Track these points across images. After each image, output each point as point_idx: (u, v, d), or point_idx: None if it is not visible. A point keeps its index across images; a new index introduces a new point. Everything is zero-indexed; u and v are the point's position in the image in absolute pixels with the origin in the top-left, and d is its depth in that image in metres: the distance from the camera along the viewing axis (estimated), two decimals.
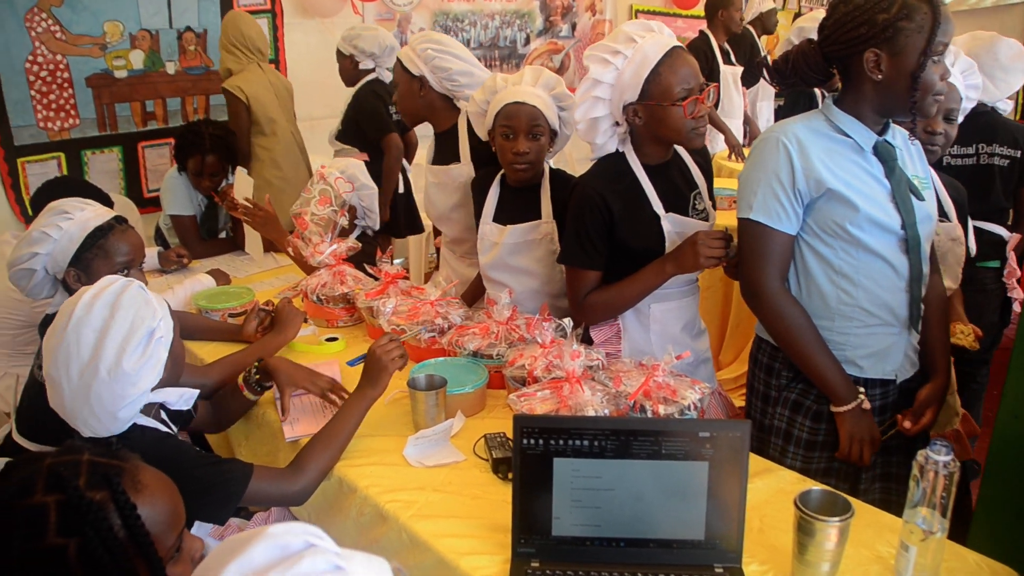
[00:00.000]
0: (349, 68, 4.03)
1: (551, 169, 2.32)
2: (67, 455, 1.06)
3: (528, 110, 2.17)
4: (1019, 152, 2.79)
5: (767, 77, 2.02)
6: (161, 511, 1.08)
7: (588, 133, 2.02)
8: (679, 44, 1.94)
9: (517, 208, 2.31)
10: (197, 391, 1.69)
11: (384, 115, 3.95)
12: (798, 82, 1.89)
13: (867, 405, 1.82)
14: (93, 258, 1.95)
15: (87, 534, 0.98)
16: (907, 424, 1.86)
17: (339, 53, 4.05)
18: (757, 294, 1.85)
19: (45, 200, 2.67)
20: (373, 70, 4.03)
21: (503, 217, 2.33)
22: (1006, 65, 2.73)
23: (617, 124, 2.02)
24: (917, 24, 1.66)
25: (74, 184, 3.09)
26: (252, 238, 3.22)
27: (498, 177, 2.36)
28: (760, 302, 1.85)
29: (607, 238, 2.01)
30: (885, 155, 1.79)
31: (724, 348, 3.89)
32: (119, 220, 2.02)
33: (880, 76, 1.70)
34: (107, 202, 2.70)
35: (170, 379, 1.60)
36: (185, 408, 1.68)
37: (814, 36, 3.31)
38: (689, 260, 1.92)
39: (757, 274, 1.83)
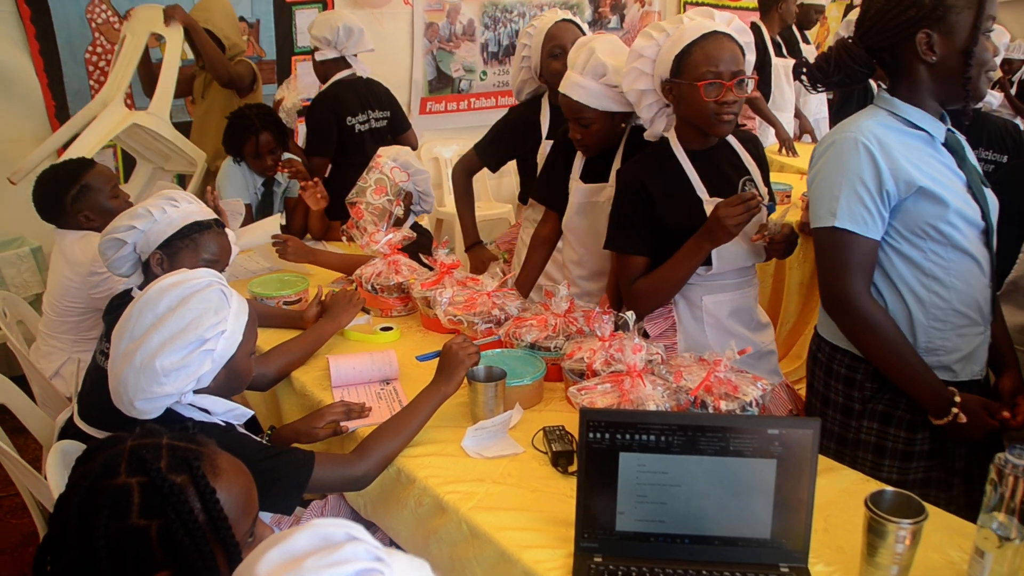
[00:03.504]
0: (318, 66, 3.58)
1: (632, 128, 2.31)
2: (147, 438, 1.08)
3: (570, 103, 2.19)
4: (1005, 156, 2.60)
5: (805, 81, 1.88)
6: (237, 496, 1.09)
7: (636, 105, 2.08)
8: (726, 32, 1.91)
9: (598, 168, 2.35)
10: (251, 412, 1.66)
11: (327, 134, 3.53)
12: (843, 80, 1.80)
13: (963, 419, 1.72)
14: (183, 247, 1.97)
15: (169, 516, 0.99)
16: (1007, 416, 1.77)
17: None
18: (846, 308, 1.75)
19: (46, 188, 2.68)
20: (344, 64, 3.57)
21: (587, 175, 2.37)
22: None
23: (668, 105, 2.04)
24: (964, 2, 1.63)
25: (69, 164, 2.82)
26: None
27: None
28: (850, 316, 1.76)
29: (650, 223, 2.02)
30: (955, 145, 1.76)
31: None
32: (219, 224, 2.06)
33: (934, 58, 1.66)
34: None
35: (223, 391, 1.59)
36: (236, 422, 1.64)
37: None
38: (718, 232, 1.90)
39: (844, 286, 1.73)
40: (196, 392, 1.53)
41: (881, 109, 1.76)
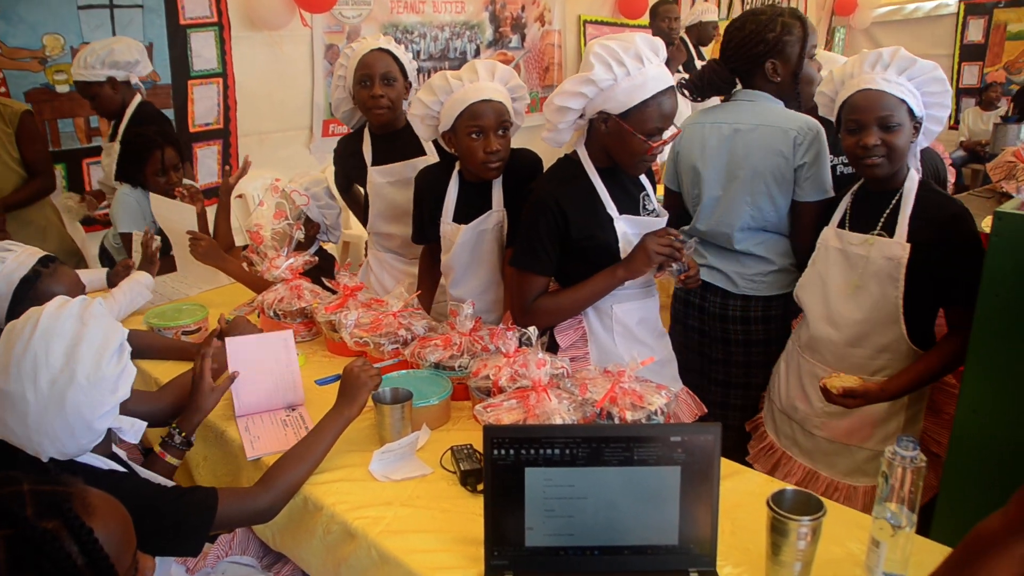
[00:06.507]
0: (111, 94, 3.47)
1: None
2: (5, 487, 1.00)
3: (495, 107, 2.16)
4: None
5: (686, 94, 2.46)
6: (115, 532, 1.04)
7: (555, 115, 2.01)
8: (674, 84, 1.98)
9: (475, 203, 2.31)
10: (145, 424, 1.61)
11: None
12: (715, 92, 2.44)
13: None
14: (29, 303, 1.85)
15: (43, 567, 0.93)
16: None
17: (88, 85, 3.44)
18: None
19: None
20: (137, 91, 3.55)
21: (462, 214, 2.32)
22: None
23: (581, 116, 2.03)
24: (795, 37, 2.28)
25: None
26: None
27: (456, 174, 2.34)
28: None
29: (560, 243, 2.04)
30: None
31: None
32: (45, 263, 1.93)
33: (778, 79, 2.32)
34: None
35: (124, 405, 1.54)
36: (134, 441, 1.60)
37: None
38: (638, 262, 1.99)
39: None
40: None
41: (780, 109, 2.33)
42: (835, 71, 2.09)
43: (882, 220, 2.03)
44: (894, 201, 2.02)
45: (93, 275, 2.92)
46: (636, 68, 1.90)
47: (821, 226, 2.19)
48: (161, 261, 2.98)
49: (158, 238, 2.84)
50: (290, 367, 2.03)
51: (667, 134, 1.99)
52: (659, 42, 1.98)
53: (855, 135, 1.99)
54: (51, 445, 1.41)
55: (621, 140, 1.97)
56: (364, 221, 3.10)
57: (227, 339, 1.99)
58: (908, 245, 1.96)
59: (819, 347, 2.15)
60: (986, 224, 2.33)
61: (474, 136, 2.17)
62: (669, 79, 1.96)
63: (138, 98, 3.54)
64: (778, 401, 2.30)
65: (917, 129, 2.01)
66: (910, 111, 1.97)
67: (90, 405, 1.41)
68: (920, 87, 1.99)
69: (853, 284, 2.05)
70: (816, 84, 2.24)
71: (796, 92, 2.31)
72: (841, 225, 2.13)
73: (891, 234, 2.00)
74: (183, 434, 1.82)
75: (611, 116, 1.95)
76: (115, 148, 3.46)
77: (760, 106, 2.34)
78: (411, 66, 2.71)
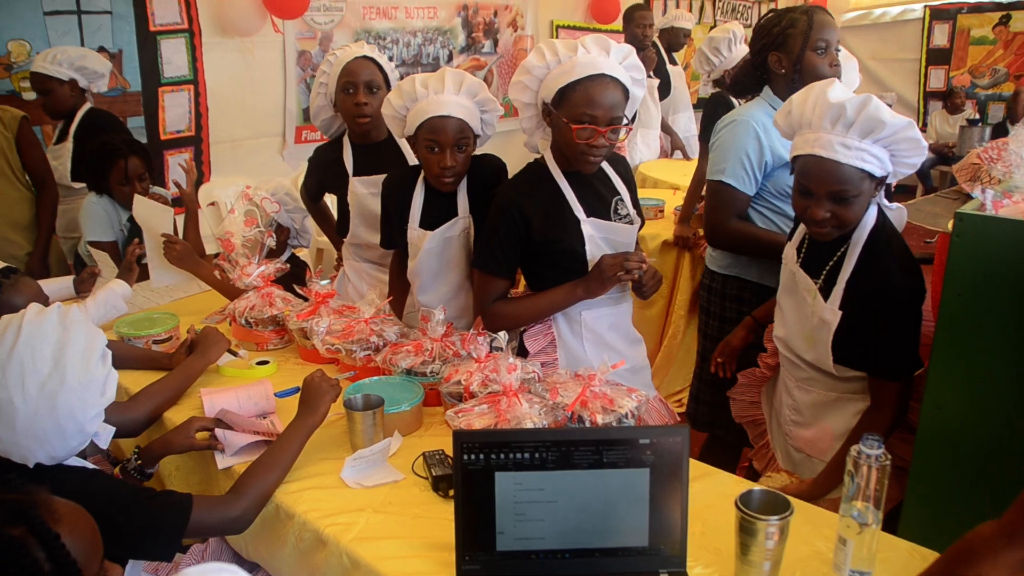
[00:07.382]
0: (67, 96, 3.57)
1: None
2: None
3: (454, 123, 2.15)
4: None
5: (728, 91, 3.06)
6: (82, 538, 1.04)
7: (520, 111, 2.10)
8: (615, 76, 1.92)
9: (440, 210, 2.30)
10: (114, 428, 1.64)
11: None
12: (743, 90, 2.64)
13: None
14: None
15: (11, 572, 0.93)
16: None
17: (47, 80, 3.51)
18: (726, 235, 2.45)
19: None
20: (85, 96, 3.66)
21: (428, 220, 2.31)
22: None
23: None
24: (799, 30, 2.34)
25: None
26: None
27: (421, 180, 2.33)
28: (729, 237, 2.45)
29: (521, 247, 2.05)
30: None
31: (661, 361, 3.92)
32: (6, 274, 1.92)
33: (783, 71, 2.40)
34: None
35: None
36: (104, 446, 1.63)
37: (722, 46, 4.04)
38: (595, 284, 2.02)
39: (722, 221, 2.41)
40: None
41: (765, 102, 2.44)
42: (794, 101, 1.85)
43: (825, 271, 1.89)
44: (840, 252, 1.87)
45: (59, 284, 2.90)
46: (567, 56, 1.94)
47: (724, 210, 2.41)
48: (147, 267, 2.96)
49: (142, 245, 2.82)
50: (270, 417, 2.02)
51: (622, 134, 1.97)
52: (612, 42, 1.96)
53: (805, 199, 1.82)
54: (40, 449, 1.42)
55: (559, 131, 1.98)
56: (331, 233, 3.09)
57: (204, 396, 2.00)
58: (839, 313, 1.83)
59: (786, 364, 2.10)
60: (950, 225, 2.36)
61: (428, 149, 2.18)
62: (604, 68, 1.90)
63: (88, 105, 3.59)
64: (776, 404, 2.23)
65: (882, 182, 1.80)
66: (870, 175, 1.76)
67: (82, 407, 1.43)
68: (889, 146, 1.75)
69: (808, 338, 1.94)
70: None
71: (793, 82, 2.31)
72: (799, 248, 2.00)
73: (831, 288, 1.86)
74: (139, 462, 1.82)
75: (550, 107, 1.97)
76: (64, 149, 3.50)
77: (754, 101, 2.50)
78: (394, 75, 2.71)
